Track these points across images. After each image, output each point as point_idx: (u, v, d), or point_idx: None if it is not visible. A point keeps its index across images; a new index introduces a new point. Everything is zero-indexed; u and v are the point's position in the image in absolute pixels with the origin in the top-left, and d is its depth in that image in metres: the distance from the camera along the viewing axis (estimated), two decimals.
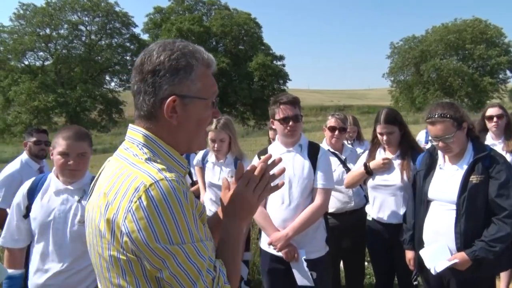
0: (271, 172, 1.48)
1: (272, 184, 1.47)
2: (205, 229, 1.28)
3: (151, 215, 1.14)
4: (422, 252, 2.89)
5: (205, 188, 4.47)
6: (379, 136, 3.60)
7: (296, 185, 3.16)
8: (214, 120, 4.07)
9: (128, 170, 1.24)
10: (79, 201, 2.68)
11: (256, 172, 1.44)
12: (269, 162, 1.49)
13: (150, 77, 1.29)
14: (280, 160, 1.54)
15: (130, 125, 1.39)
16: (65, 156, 2.63)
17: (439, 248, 2.81)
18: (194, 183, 4.97)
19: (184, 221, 1.18)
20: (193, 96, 1.32)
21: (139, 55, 1.35)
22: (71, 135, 2.65)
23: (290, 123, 3.16)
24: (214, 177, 4.19)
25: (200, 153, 4.46)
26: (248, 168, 1.48)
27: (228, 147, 4.12)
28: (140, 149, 1.30)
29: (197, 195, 4.53)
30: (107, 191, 1.24)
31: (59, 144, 2.64)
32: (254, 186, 1.43)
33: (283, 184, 1.53)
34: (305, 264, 3.10)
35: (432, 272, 2.77)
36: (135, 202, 1.16)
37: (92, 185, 1.43)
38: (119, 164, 1.30)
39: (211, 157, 4.24)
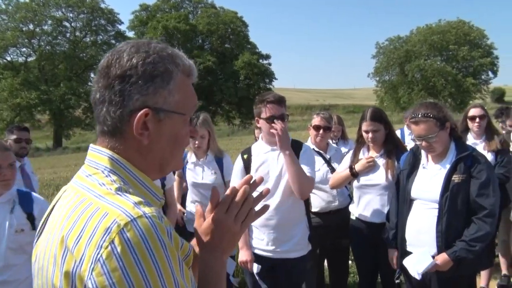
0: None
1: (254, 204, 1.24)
2: (190, 274, 1.04)
3: (127, 265, 0.87)
4: (405, 262, 2.92)
5: (180, 199, 4.47)
6: (364, 134, 3.62)
7: (280, 183, 3.16)
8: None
9: (94, 204, 0.97)
10: (11, 212, 2.68)
11: (238, 198, 1.20)
12: (251, 181, 1.26)
13: (118, 84, 1.05)
14: (261, 180, 1.30)
15: (91, 145, 1.13)
16: None
17: (421, 255, 2.84)
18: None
19: (169, 269, 0.92)
20: (170, 110, 1.08)
21: (105, 56, 1.11)
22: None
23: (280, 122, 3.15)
24: (198, 176, 4.16)
25: None
26: (228, 192, 1.22)
27: (207, 144, 4.11)
28: (106, 175, 1.04)
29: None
30: (66, 234, 0.96)
31: None
32: (236, 213, 1.19)
33: (267, 192, 1.33)
34: (256, 277, 3.23)
35: (417, 277, 2.80)
36: (106, 247, 0.88)
37: (43, 221, 1.13)
38: (81, 196, 1.02)
39: (191, 157, 4.21)
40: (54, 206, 1.12)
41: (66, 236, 0.95)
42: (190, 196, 4.28)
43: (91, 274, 0.88)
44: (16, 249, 2.61)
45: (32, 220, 2.70)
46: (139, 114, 1.04)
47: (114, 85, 1.05)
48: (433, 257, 2.81)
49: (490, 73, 53.05)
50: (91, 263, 0.88)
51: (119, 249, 0.87)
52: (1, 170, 2.62)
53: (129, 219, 0.91)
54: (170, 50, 1.12)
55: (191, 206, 4.24)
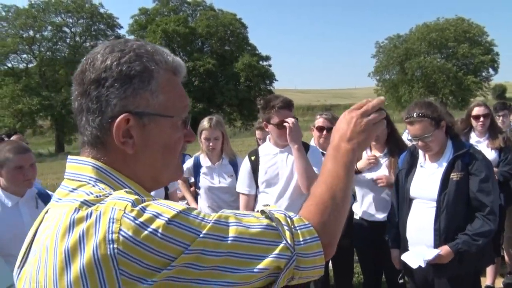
0: None
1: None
2: None
3: (145, 241, 0.82)
4: (403, 257, 2.92)
5: (195, 199, 4.39)
6: None
7: (290, 184, 3.17)
8: (207, 118, 4.05)
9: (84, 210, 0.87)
10: (36, 207, 2.88)
11: (373, 102, 1.17)
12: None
13: (94, 89, 0.95)
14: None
15: (69, 157, 1.03)
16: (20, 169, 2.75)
17: (419, 250, 2.84)
18: (190, 185, 4.70)
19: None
20: (154, 113, 0.98)
21: (81, 63, 1.00)
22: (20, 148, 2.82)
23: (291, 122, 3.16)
24: (214, 180, 4.09)
25: (190, 161, 4.33)
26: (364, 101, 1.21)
27: (222, 146, 4.09)
28: (93, 185, 0.94)
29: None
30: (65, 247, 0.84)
31: (11, 159, 2.74)
32: (367, 111, 1.15)
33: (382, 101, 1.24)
34: None
35: (422, 265, 2.79)
36: (117, 239, 0.81)
37: (24, 253, 0.99)
38: (68, 207, 0.89)
39: (205, 161, 4.15)
40: (35, 233, 0.98)
41: (66, 248, 0.83)
42: (205, 201, 4.16)
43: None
44: None
45: None
46: (117, 120, 0.94)
47: (90, 91, 0.95)
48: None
49: (491, 70, 52.96)
50: (111, 260, 0.81)
51: (130, 232, 0.81)
52: (24, 171, 2.75)
53: (129, 202, 0.85)
54: (149, 47, 1.01)
55: (208, 211, 4.18)
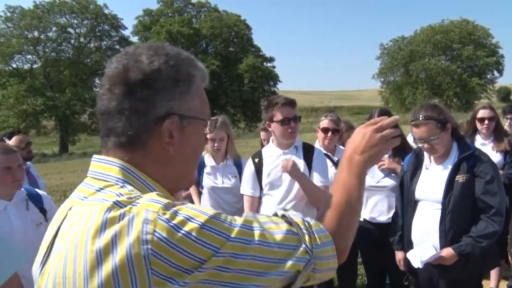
0: None
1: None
2: None
3: (177, 242, 0.85)
4: (409, 255, 2.92)
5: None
6: None
7: (293, 187, 3.16)
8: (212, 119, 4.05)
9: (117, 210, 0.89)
10: (27, 209, 2.84)
11: (388, 120, 1.21)
12: None
13: (141, 90, 0.96)
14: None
15: (95, 156, 1.03)
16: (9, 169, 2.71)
17: (424, 248, 2.83)
18: None
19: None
20: (193, 116, 1.02)
21: (114, 60, 1.01)
22: (7, 149, 2.80)
23: (291, 123, 3.16)
24: (217, 180, 4.09)
25: None
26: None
27: (226, 147, 4.09)
28: (121, 186, 0.95)
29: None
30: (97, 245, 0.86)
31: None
32: (382, 130, 1.19)
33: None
34: None
35: (420, 266, 2.79)
36: (152, 240, 0.84)
37: (47, 248, 1.00)
38: (99, 206, 0.91)
39: (210, 161, 4.13)
40: (58, 229, 0.99)
41: (98, 246, 0.85)
42: (208, 201, 4.15)
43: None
44: (39, 241, 2.65)
45: (44, 213, 2.87)
46: (167, 121, 0.98)
47: (136, 91, 0.96)
48: (436, 250, 2.80)
49: (495, 72, 52.82)
50: (144, 260, 0.83)
51: (164, 234, 0.84)
52: (12, 172, 2.69)
53: (162, 205, 0.87)
54: (185, 54, 1.05)
55: None
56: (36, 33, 44.55)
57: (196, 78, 1.04)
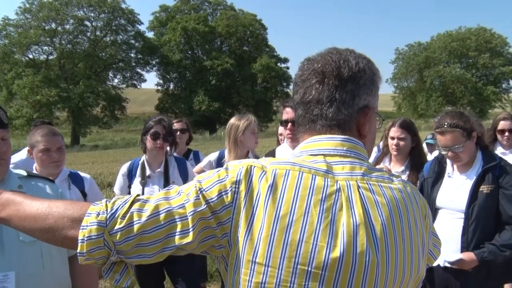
0: None
1: None
2: None
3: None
4: None
5: None
6: (390, 141, 3.55)
7: None
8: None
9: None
10: (69, 188, 3.05)
11: None
12: None
13: (350, 85, 1.14)
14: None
15: (330, 136, 1.15)
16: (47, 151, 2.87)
17: (444, 252, 2.79)
18: None
19: None
20: (376, 112, 1.21)
21: (324, 61, 1.17)
22: (48, 132, 2.94)
23: (289, 125, 3.16)
24: None
25: (214, 154, 4.32)
26: None
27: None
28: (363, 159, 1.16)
29: None
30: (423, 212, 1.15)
31: (39, 141, 2.88)
32: None
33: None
34: None
35: (442, 264, 2.73)
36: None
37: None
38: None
39: (229, 157, 4.05)
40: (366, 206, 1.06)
41: (426, 214, 1.16)
42: None
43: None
44: None
45: (84, 195, 3.12)
46: (370, 112, 1.17)
47: (347, 86, 1.14)
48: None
49: (511, 82, 52.29)
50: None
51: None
52: (50, 153, 2.86)
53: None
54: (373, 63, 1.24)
55: None
56: (53, 25, 45.01)
57: (378, 82, 1.22)
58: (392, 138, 3.52)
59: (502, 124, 4.49)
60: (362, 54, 1.21)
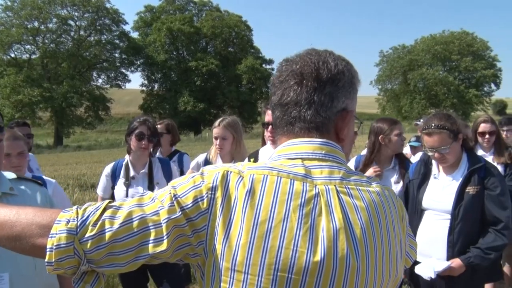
0: None
1: None
2: None
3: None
4: (417, 269, 2.88)
5: None
6: (393, 138, 3.48)
7: None
8: (220, 118, 4.00)
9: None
10: None
11: None
12: None
13: (329, 87, 1.11)
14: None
15: (308, 139, 1.12)
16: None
17: (430, 262, 2.81)
18: None
19: None
20: (355, 116, 1.20)
21: (303, 62, 1.14)
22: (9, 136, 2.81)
23: (269, 128, 3.16)
24: None
25: (202, 156, 4.26)
26: None
27: (231, 147, 3.95)
28: (340, 162, 1.13)
29: None
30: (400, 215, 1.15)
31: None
32: None
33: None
34: None
35: (432, 276, 2.75)
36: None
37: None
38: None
39: (218, 161, 4.02)
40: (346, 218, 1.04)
41: (402, 216, 1.17)
42: None
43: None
44: None
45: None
46: (348, 116, 1.14)
47: (325, 88, 1.11)
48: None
49: (492, 85, 53.17)
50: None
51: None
52: (10, 158, 2.76)
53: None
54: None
55: None
56: (36, 24, 44.42)
57: (357, 85, 1.20)
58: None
59: (482, 127, 4.55)
60: (341, 56, 1.19)
